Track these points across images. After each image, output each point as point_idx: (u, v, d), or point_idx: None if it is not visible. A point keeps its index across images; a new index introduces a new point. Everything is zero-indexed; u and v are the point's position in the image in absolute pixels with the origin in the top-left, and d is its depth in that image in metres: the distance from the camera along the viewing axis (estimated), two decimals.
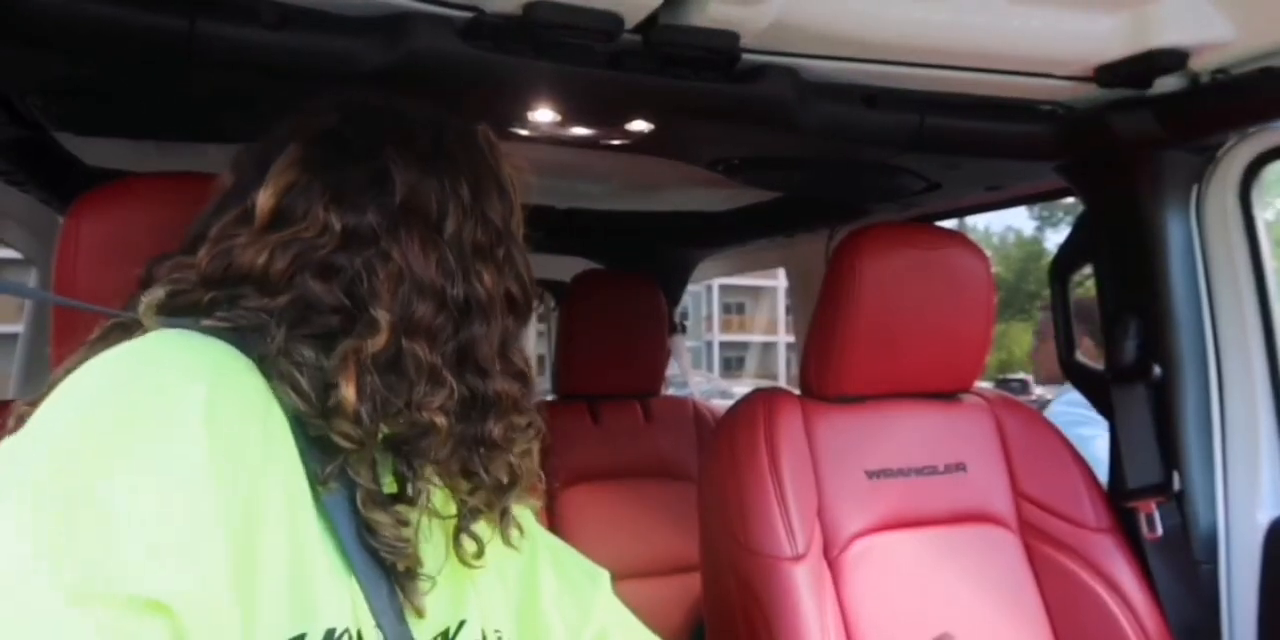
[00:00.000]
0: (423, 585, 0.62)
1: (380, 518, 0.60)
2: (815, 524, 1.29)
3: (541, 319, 3.32)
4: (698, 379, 2.93)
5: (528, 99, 1.18)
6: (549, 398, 2.20)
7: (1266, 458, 1.37)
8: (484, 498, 0.68)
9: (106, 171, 1.55)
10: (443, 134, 0.71)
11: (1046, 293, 1.66)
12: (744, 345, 30.11)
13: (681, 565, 1.95)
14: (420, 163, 0.67)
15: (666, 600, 1.99)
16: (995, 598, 1.32)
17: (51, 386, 0.54)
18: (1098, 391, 1.50)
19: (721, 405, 2.02)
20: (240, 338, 0.59)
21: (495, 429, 0.66)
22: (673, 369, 2.60)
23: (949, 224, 2.06)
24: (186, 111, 1.26)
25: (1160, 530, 1.36)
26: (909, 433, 1.40)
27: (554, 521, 2.01)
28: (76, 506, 0.46)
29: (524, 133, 1.32)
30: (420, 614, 0.62)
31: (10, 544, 0.45)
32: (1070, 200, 1.65)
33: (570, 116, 1.26)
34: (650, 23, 1.05)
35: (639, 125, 1.30)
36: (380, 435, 0.61)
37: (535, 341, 3.38)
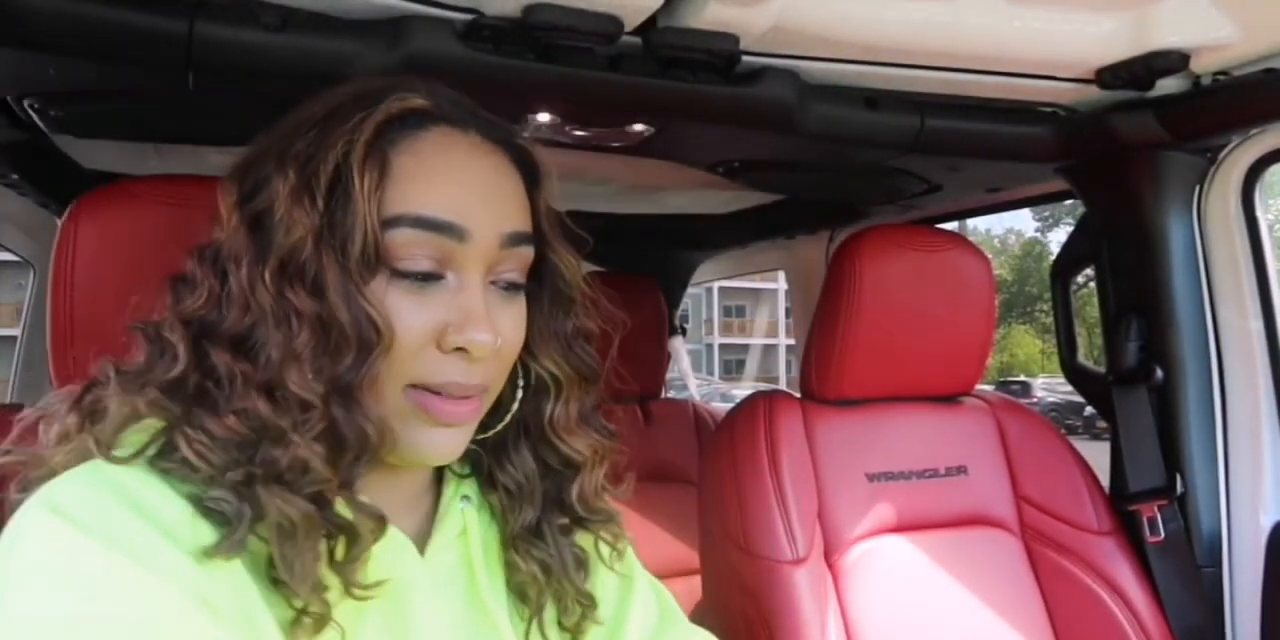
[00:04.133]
0: None
1: None
2: (816, 527, 1.29)
3: None
4: (698, 382, 2.92)
5: (527, 101, 1.18)
6: None
7: (1269, 460, 1.36)
8: None
9: (104, 174, 1.54)
10: None
11: (1049, 295, 1.66)
12: (744, 348, 30.10)
13: (682, 568, 1.94)
14: None
15: None
16: (997, 601, 1.32)
17: None
18: (1099, 394, 1.49)
19: (721, 408, 2.01)
20: None
21: None
22: (673, 372, 2.60)
23: (950, 226, 2.06)
24: (185, 114, 1.25)
25: (1163, 533, 1.36)
26: (910, 435, 1.40)
27: None
28: None
29: (524, 135, 1.31)
30: None
31: None
32: (1071, 201, 1.64)
33: (570, 119, 1.25)
34: (649, 25, 1.05)
35: (639, 127, 1.30)
36: None
37: None
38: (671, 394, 2.70)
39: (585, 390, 0.72)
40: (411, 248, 0.60)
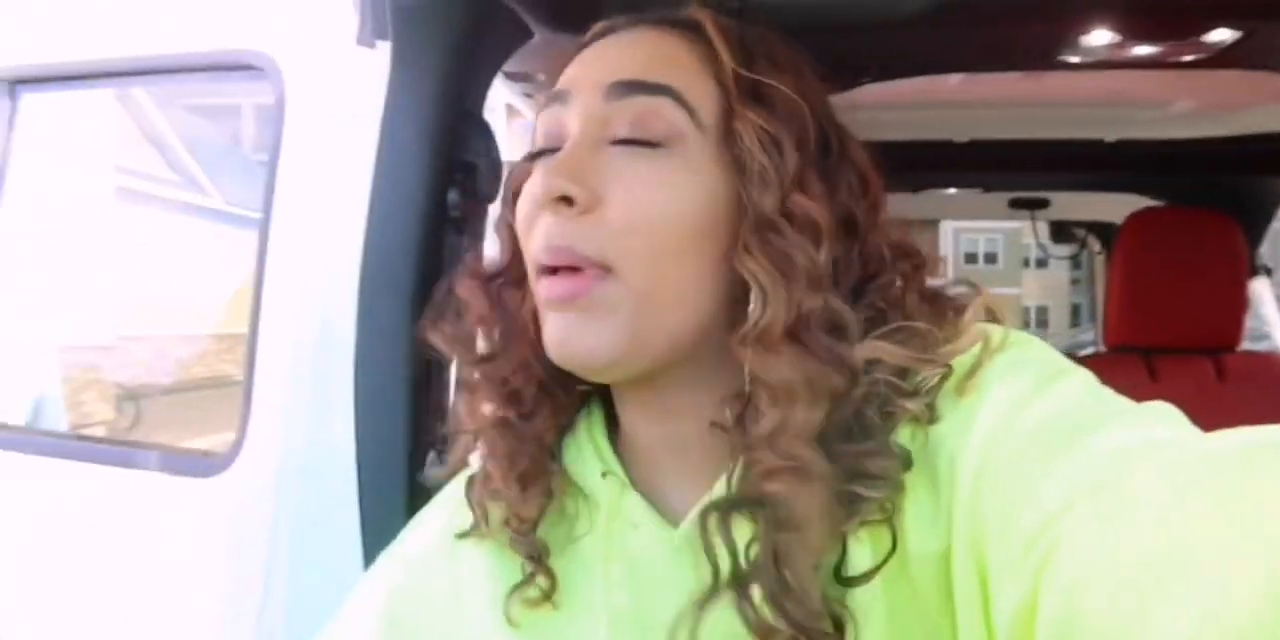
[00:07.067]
0: None
1: None
2: None
3: (1077, 265, 3.09)
4: None
5: (1082, 21, 1.10)
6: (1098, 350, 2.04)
7: None
8: None
9: None
10: None
11: None
12: None
13: None
14: None
15: None
16: None
17: None
18: None
19: None
20: None
21: None
22: (1254, 320, 2.26)
23: None
24: None
25: None
26: None
27: None
28: None
29: (1075, 60, 1.23)
30: None
31: None
32: None
33: (1131, 35, 1.14)
34: None
35: (1217, 36, 1.14)
36: None
37: (1068, 288, 3.16)
38: (1251, 346, 2.35)
39: (790, 294, 0.52)
40: (535, 136, 0.60)
